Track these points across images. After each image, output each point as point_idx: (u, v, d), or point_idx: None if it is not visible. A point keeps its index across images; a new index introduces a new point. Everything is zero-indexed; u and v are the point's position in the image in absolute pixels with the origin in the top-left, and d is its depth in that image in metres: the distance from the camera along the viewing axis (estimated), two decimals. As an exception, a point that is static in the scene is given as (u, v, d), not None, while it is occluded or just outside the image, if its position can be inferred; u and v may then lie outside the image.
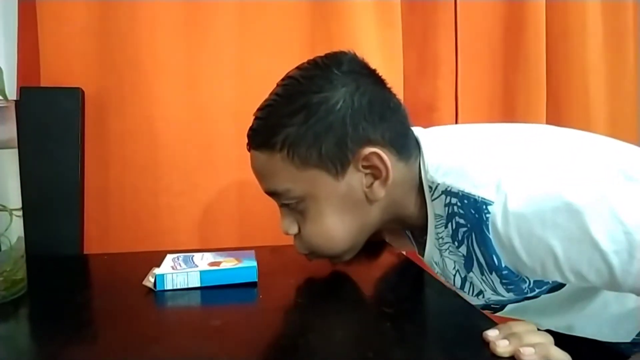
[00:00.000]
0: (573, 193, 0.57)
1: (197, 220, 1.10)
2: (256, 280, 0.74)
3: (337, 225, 0.71)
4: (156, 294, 0.71)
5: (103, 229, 1.07)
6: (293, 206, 0.72)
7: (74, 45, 1.04)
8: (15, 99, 0.98)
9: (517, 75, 1.26)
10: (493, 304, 0.80)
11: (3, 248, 0.68)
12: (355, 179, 0.69)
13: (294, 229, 0.74)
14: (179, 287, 0.72)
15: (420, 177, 0.72)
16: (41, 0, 1.02)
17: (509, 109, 1.27)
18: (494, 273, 0.67)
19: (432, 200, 0.70)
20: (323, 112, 0.67)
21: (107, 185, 1.07)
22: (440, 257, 0.75)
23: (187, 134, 1.09)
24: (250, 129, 0.74)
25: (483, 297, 0.75)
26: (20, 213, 0.71)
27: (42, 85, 1.04)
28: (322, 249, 0.74)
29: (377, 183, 0.69)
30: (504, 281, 0.67)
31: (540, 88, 1.25)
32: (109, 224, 1.07)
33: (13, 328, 0.64)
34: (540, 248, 0.59)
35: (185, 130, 1.09)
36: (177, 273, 0.73)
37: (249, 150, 0.76)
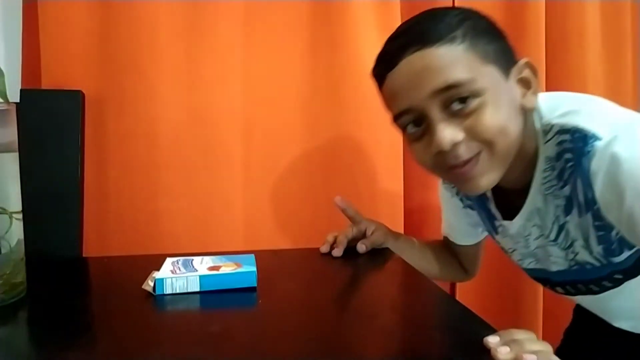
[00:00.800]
0: None
1: (196, 224, 1.10)
2: (255, 285, 0.74)
3: (510, 121, 0.69)
4: (155, 298, 0.71)
5: (102, 232, 1.07)
6: (465, 107, 0.66)
7: (75, 48, 1.05)
8: (16, 101, 0.97)
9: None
10: (575, 281, 0.80)
11: (3, 251, 0.68)
12: (515, 83, 0.71)
13: (460, 135, 0.66)
14: (178, 291, 0.72)
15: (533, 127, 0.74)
16: (43, 3, 1.02)
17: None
18: (589, 212, 0.69)
19: (545, 143, 0.72)
20: (484, 24, 0.71)
21: (107, 188, 1.07)
22: (543, 203, 0.75)
23: (187, 137, 1.09)
24: (409, 29, 0.70)
25: (573, 251, 0.75)
26: (20, 216, 0.71)
27: (43, 87, 1.04)
28: (497, 140, 0.67)
29: (529, 93, 0.72)
30: (596, 223, 0.69)
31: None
32: (109, 227, 1.07)
33: (12, 331, 0.64)
34: (614, 191, 0.63)
35: (185, 133, 1.09)
36: (176, 277, 0.72)
37: (380, 72, 0.73)
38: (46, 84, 1.04)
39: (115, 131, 1.07)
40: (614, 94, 1.34)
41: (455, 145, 0.67)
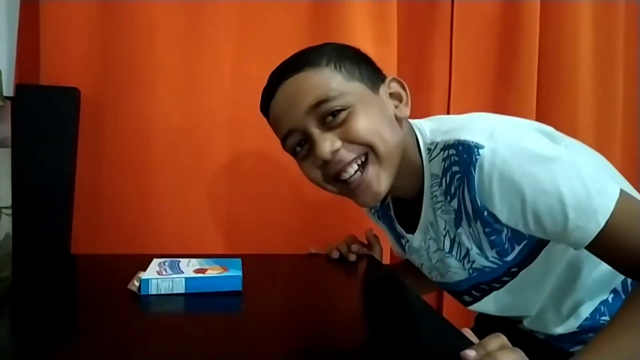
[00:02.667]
0: (554, 154, 0.68)
1: (186, 225, 1.11)
2: (241, 289, 0.75)
3: (384, 125, 0.75)
4: (140, 299, 0.71)
5: (92, 230, 1.08)
6: (336, 119, 0.73)
7: (74, 47, 1.06)
8: (11, 95, 0.98)
9: (508, 95, 1.29)
10: (477, 283, 0.83)
11: (-10, 245, 0.69)
12: (386, 98, 0.78)
13: (338, 142, 0.73)
14: (163, 292, 0.73)
15: (417, 144, 0.79)
16: (44, 2, 1.03)
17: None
18: (478, 221, 0.73)
19: (430, 161, 0.77)
20: (348, 50, 0.79)
21: (98, 186, 1.08)
22: (434, 217, 0.80)
23: (180, 140, 1.10)
24: (283, 64, 0.78)
25: (469, 260, 0.79)
26: (9, 211, 0.72)
27: (41, 83, 1.04)
28: (374, 140, 0.73)
29: (401, 105, 0.80)
30: (486, 230, 0.73)
31: (530, 109, 1.27)
32: (98, 225, 1.08)
33: (-5, 326, 0.65)
34: (513, 192, 0.67)
35: (178, 135, 1.10)
36: (162, 279, 0.73)
37: (265, 106, 0.81)
38: (45, 80, 1.05)
39: (110, 130, 1.08)
40: (606, 105, 1.36)
41: (334, 152, 0.74)
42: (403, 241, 0.92)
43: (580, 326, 0.81)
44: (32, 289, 0.76)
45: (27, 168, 0.94)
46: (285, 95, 0.76)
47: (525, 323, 0.88)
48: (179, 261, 0.82)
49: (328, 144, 0.73)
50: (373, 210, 0.99)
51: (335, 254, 1.01)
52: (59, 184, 1.00)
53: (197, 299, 0.72)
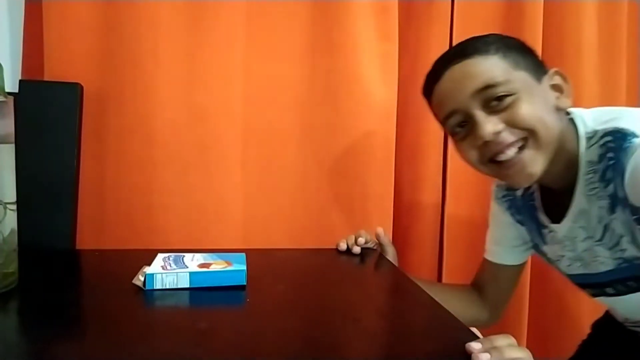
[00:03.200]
0: None
1: (190, 220, 1.11)
2: (245, 283, 0.75)
3: (546, 113, 0.77)
4: (145, 293, 0.72)
5: (97, 225, 1.08)
6: (501, 104, 0.76)
7: (78, 43, 1.06)
8: (15, 91, 0.98)
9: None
10: (624, 278, 0.82)
11: (-5, 241, 0.69)
12: (548, 89, 0.80)
13: (500, 125, 0.76)
14: (168, 287, 0.73)
15: (576, 135, 0.80)
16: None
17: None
18: (627, 208, 0.72)
19: (588, 149, 0.78)
20: (514, 41, 0.82)
21: (103, 181, 1.08)
22: (587, 204, 0.80)
23: (184, 134, 1.10)
24: (451, 51, 0.83)
25: (620, 249, 0.79)
26: (14, 207, 0.72)
27: (45, 79, 1.04)
28: (535, 125, 0.75)
29: (562, 96, 0.81)
30: (635, 217, 0.72)
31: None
32: (103, 220, 1.08)
33: (1, 321, 0.65)
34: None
35: (182, 130, 1.10)
36: (166, 273, 0.73)
37: (429, 88, 0.84)
38: (48, 76, 1.05)
39: (113, 126, 1.08)
40: (609, 102, 1.35)
41: (496, 134, 0.75)
42: (545, 232, 0.91)
43: None
44: (37, 284, 0.76)
45: (31, 163, 0.94)
46: (453, 79, 0.79)
47: None
48: (184, 256, 0.82)
49: (491, 125, 0.75)
50: (509, 204, 0.99)
51: (342, 246, 1.03)
52: (63, 179, 1.00)
53: (201, 294, 0.73)
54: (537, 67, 0.80)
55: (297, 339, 0.61)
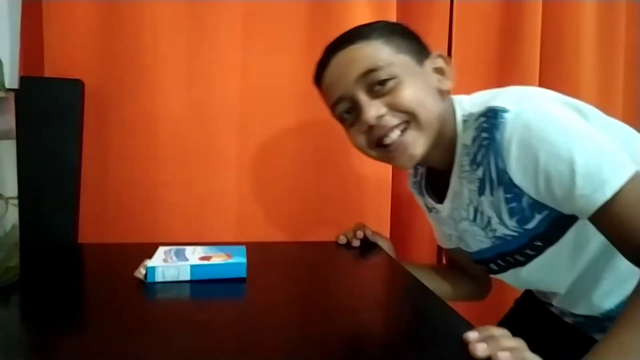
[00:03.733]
0: (576, 125, 0.70)
1: (191, 214, 1.12)
2: (245, 276, 0.76)
3: (426, 96, 0.80)
4: (146, 286, 0.72)
5: (98, 220, 1.09)
6: (384, 88, 0.78)
7: (78, 40, 1.06)
8: (15, 88, 0.99)
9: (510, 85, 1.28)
10: (502, 253, 0.84)
11: (-2, 235, 0.69)
12: (430, 71, 0.83)
13: (383, 109, 0.78)
14: (169, 280, 0.74)
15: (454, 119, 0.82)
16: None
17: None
18: (501, 187, 0.75)
19: (464, 132, 0.80)
20: (397, 26, 0.86)
21: (104, 176, 1.09)
22: (460, 186, 0.83)
23: (185, 130, 1.11)
24: (338, 38, 0.83)
25: (491, 229, 0.82)
26: (16, 202, 0.72)
27: (45, 75, 1.05)
28: (416, 109, 0.78)
29: (444, 78, 0.84)
30: (507, 196, 0.75)
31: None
32: (105, 214, 1.09)
33: (4, 315, 0.66)
34: (529, 156, 0.69)
35: (183, 125, 1.10)
36: (168, 266, 0.74)
37: (318, 76, 0.85)
38: (49, 72, 1.05)
39: (115, 121, 1.09)
40: (606, 100, 1.35)
41: (379, 117, 0.78)
42: (433, 213, 0.95)
43: (603, 314, 0.82)
44: (39, 278, 0.77)
45: (33, 159, 0.95)
46: (338, 65, 0.81)
47: (554, 302, 0.90)
48: (185, 249, 0.83)
49: (374, 109, 0.78)
50: (417, 190, 1.01)
51: (342, 240, 1.04)
52: (65, 174, 1.01)
53: (202, 286, 0.73)
54: (420, 51, 0.83)
55: (297, 330, 0.61)
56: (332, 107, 0.84)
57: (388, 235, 1.15)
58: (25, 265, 0.74)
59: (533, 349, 0.55)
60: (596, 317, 0.83)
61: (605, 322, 0.81)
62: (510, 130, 0.70)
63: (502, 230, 0.80)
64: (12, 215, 0.72)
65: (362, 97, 0.79)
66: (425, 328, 0.63)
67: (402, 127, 0.79)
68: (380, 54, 0.78)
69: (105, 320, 0.62)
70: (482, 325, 0.57)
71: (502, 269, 0.88)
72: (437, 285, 1.01)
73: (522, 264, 0.83)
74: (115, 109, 1.08)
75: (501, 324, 1.02)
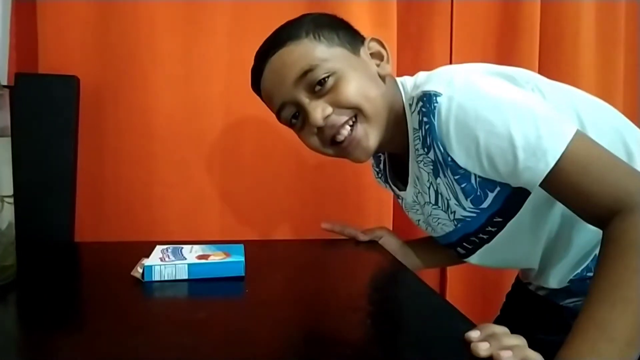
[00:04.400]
0: (510, 97, 0.69)
1: (188, 212, 1.11)
2: (243, 274, 0.75)
3: (369, 86, 0.79)
4: (144, 285, 0.72)
5: (95, 218, 1.08)
6: (324, 87, 0.77)
7: (73, 36, 1.05)
8: (7, 84, 0.98)
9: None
10: (466, 235, 0.84)
11: (-7, 234, 0.69)
12: (367, 58, 0.82)
13: (328, 108, 0.77)
14: (166, 278, 0.73)
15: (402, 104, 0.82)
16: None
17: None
18: (448, 168, 0.75)
19: (411, 115, 0.79)
20: (324, 18, 0.82)
21: (101, 174, 1.08)
22: (418, 170, 0.82)
23: (182, 127, 1.10)
24: (266, 42, 0.81)
25: (451, 211, 0.81)
26: (11, 200, 0.72)
27: (40, 72, 1.04)
28: (361, 103, 0.77)
29: (382, 63, 0.83)
30: (456, 177, 0.75)
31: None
32: (101, 212, 1.08)
33: (0, 314, 0.65)
34: (468, 137, 0.69)
35: (179, 123, 1.10)
36: (165, 265, 0.73)
37: (256, 84, 0.83)
38: (43, 68, 1.04)
39: (110, 118, 1.08)
40: (606, 95, 1.35)
41: (326, 118, 0.77)
42: (400, 200, 0.95)
43: (570, 280, 0.82)
44: (36, 277, 0.76)
45: (29, 156, 0.94)
46: (273, 71, 0.79)
47: (531, 279, 0.90)
48: (182, 247, 0.82)
49: (319, 110, 0.77)
50: (383, 179, 1.00)
51: (328, 226, 1.03)
52: (61, 172, 1.00)
53: (200, 285, 0.73)
54: (353, 39, 0.81)
55: (296, 328, 0.61)
56: (277, 114, 0.83)
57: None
58: (22, 264, 0.74)
59: (531, 336, 0.55)
60: (566, 287, 0.83)
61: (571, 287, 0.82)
62: (446, 113, 0.70)
63: (460, 212, 0.80)
64: (8, 214, 0.71)
65: (305, 100, 0.77)
66: (426, 326, 0.63)
67: (350, 122, 0.78)
68: (313, 52, 0.77)
69: (102, 319, 0.61)
70: (483, 323, 0.57)
71: (470, 252, 0.88)
72: (444, 255, 1.01)
73: (487, 241, 0.83)
74: (111, 106, 1.08)
75: (498, 319, 1.03)
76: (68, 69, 1.04)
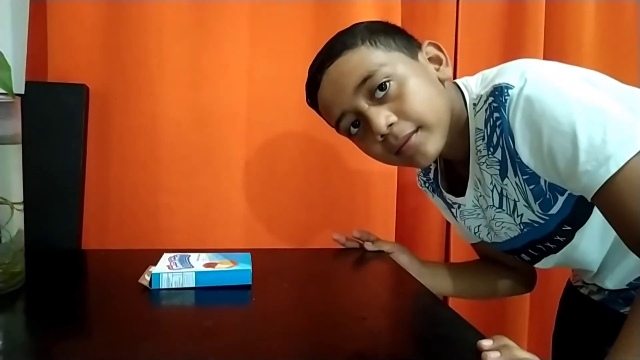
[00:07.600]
0: (582, 96, 0.65)
1: (195, 220, 1.11)
2: (250, 283, 0.75)
3: (432, 93, 0.77)
4: (151, 293, 0.72)
5: (102, 226, 1.08)
6: (386, 93, 0.74)
7: (82, 43, 1.06)
8: (21, 93, 0.99)
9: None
10: (532, 241, 0.82)
11: (3, 241, 0.69)
12: (426, 63, 0.80)
13: (393, 116, 0.74)
14: (174, 286, 0.73)
15: (464, 102, 0.80)
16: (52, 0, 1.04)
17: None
18: (518, 169, 0.72)
19: (475, 115, 0.77)
20: (378, 25, 0.80)
21: (108, 182, 1.09)
22: (480, 173, 0.80)
23: (189, 135, 1.10)
24: (321, 54, 0.80)
25: (518, 214, 0.79)
26: (21, 207, 0.72)
27: (49, 80, 1.05)
28: (426, 114, 0.74)
29: (442, 67, 0.81)
30: (524, 177, 0.72)
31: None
32: (108, 220, 1.09)
33: (9, 320, 0.66)
34: (533, 132, 0.67)
35: (187, 131, 1.10)
36: (172, 273, 0.74)
37: (312, 97, 0.82)
38: (53, 77, 1.05)
39: (119, 126, 1.09)
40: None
41: (390, 126, 0.74)
42: (454, 210, 0.92)
43: (630, 283, 0.79)
44: (44, 283, 0.77)
45: (38, 164, 0.95)
46: (331, 82, 0.77)
47: (586, 279, 0.87)
48: (189, 255, 0.82)
49: (382, 118, 0.74)
50: (431, 188, 0.98)
51: (342, 239, 1.03)
52: (69, 179, 1.01)
53: (207, 293, 0.73)
54: (410, 44, 0.79)
55: (302, 337, 0.61)
56: (336, 125, 0.80)
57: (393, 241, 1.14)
58: (30, 270, 0.74)
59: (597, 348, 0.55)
60: (624, 288, 0.81)
61: (632, 291, 0.79)
62: (514, 106, 0.67)
63: (528, 215, 0.77)
64: (18, 221, 0.72)
65: (366, 107, 0.75)
66: (435, 336, 0.62)
67: (415, 133, 0.75)
68: (371, 57, 0.74)
69: (109, 326, 0.62)
70: (496, 334, 0.57)
71: (535, 259, 0.85)
72: (469, 284, 0.99)
73: (554, 251, 0.81)
74: (120, 114, 1.08)
75: (556, 329, 1.00)
76: (77, 77, 1.04)
